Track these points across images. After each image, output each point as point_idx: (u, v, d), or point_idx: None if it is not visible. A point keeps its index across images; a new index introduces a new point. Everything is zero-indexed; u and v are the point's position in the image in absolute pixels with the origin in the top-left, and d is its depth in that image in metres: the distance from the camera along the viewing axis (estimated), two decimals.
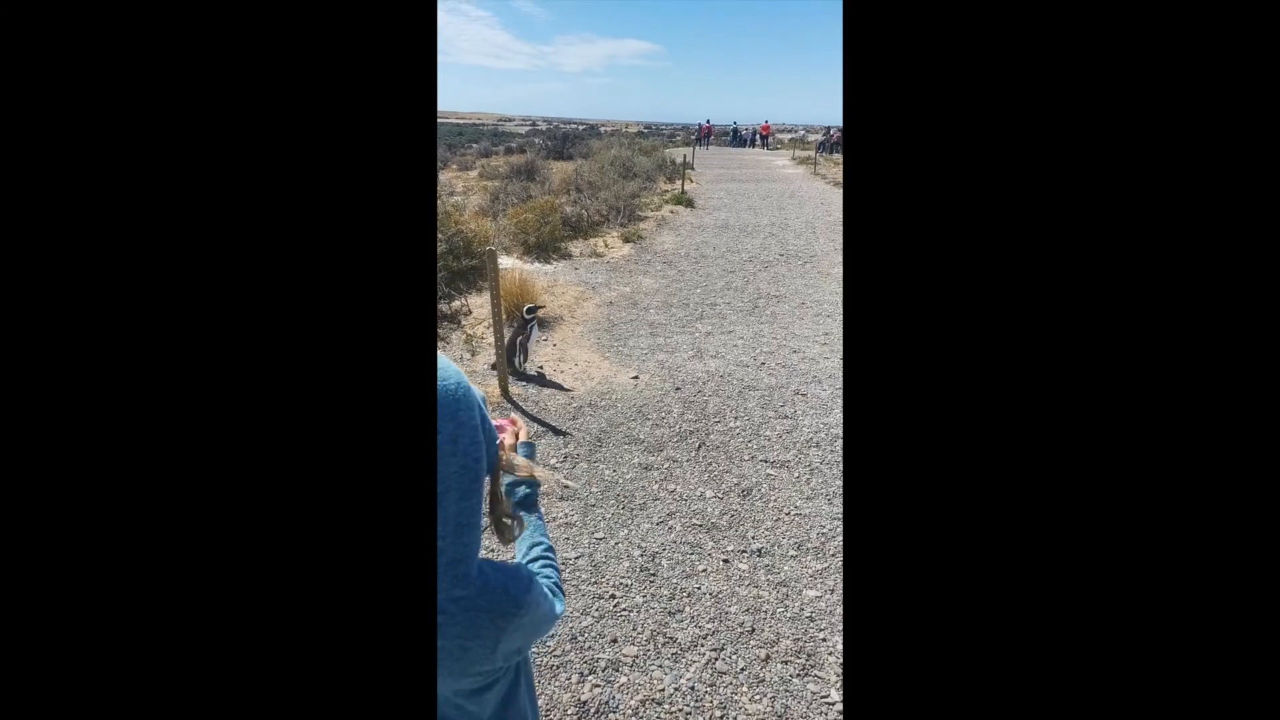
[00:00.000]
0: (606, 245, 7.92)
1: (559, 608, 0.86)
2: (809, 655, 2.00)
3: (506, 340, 3.98)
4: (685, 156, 17.25)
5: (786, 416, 3.58)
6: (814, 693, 1.87)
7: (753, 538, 2.57)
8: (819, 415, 3.61)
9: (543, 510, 1.31)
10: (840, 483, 2.94)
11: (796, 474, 3.02)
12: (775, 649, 2.02)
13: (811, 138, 40.36)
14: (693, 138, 34.47)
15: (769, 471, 3.03)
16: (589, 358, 4.43)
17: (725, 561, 2.43)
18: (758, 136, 34.84)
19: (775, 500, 2.81)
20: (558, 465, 3.07)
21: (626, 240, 8.21)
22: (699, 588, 2.29)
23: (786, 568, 2.39)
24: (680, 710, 1.80)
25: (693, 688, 1.88)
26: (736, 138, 36.05)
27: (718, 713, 1.80)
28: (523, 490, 0.92)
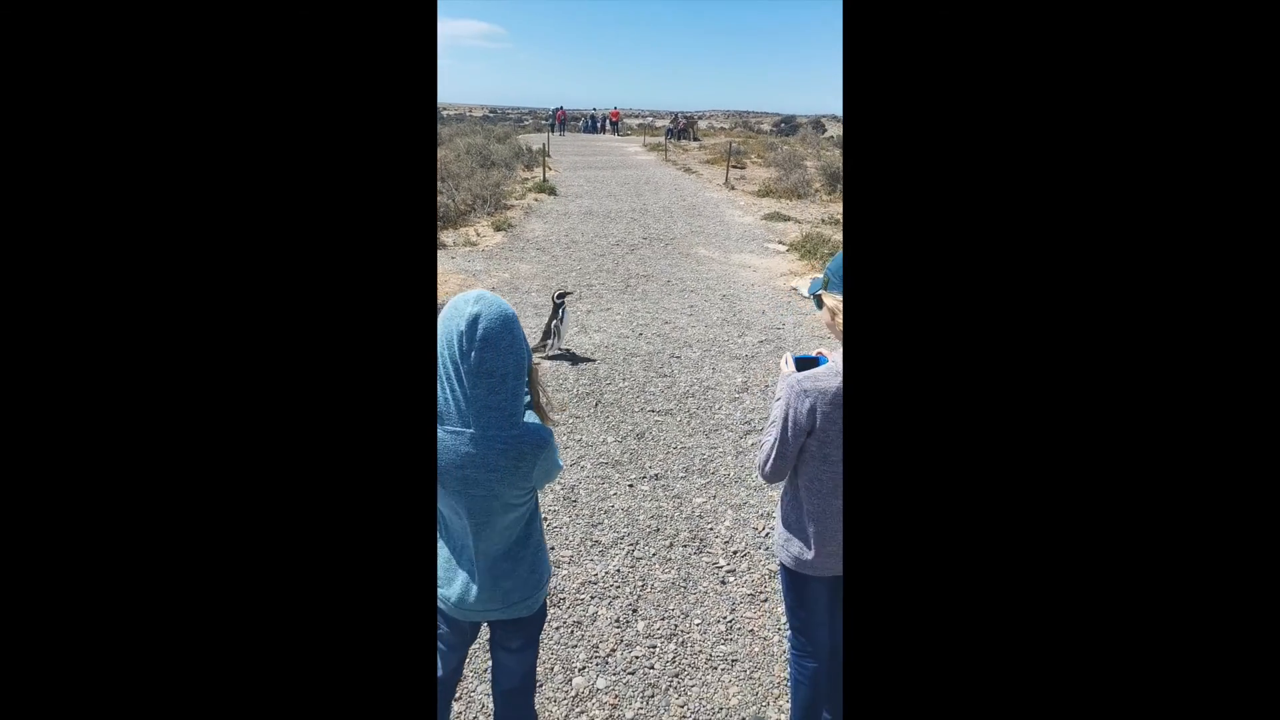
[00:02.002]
0: (478, 234, 8.21)
1: (561, 464, 1.40)
2: (701, 540, 2.66)
3: (544, 325, 4.42)
4: (543, 144, 17.54)
5: (665, 375, 4.25)
6: (708, 563, 2.53)
7: (649, 467, 3.20)
8: (692, 373, 4.31)
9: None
10: (712, 421, 3.65)
11: (678, 419, 3.69)
12: (676, 539, 2.66)
13: (659, 124, 41.64)
14: (545, 123, 34.57)
15: (656, 418, 3.68)
16: None
17: (630, 486, 3.04)
18: (608, 122, 35.53)
19: (664, 439, 3.45)
20: None
21: (498, 229, 8.54)
22: (613, 506, 2.88)
23: (678, 486, 3.04)
24: (611, 585, 2.39)
25: (618, 570, 2.47)
26: (591, 124, 36.49)
27: (639, 584, 2.41)
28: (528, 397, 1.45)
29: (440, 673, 1.47)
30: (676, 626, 2.21)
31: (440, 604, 1.38)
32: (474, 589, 1.33)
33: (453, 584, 1.35)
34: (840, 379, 1.41)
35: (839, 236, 7.78)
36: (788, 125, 37.12)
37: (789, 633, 1.66)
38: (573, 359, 4.50)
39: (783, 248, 8.00)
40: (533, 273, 6.65)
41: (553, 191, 11.76)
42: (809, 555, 1.51)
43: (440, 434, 1.24)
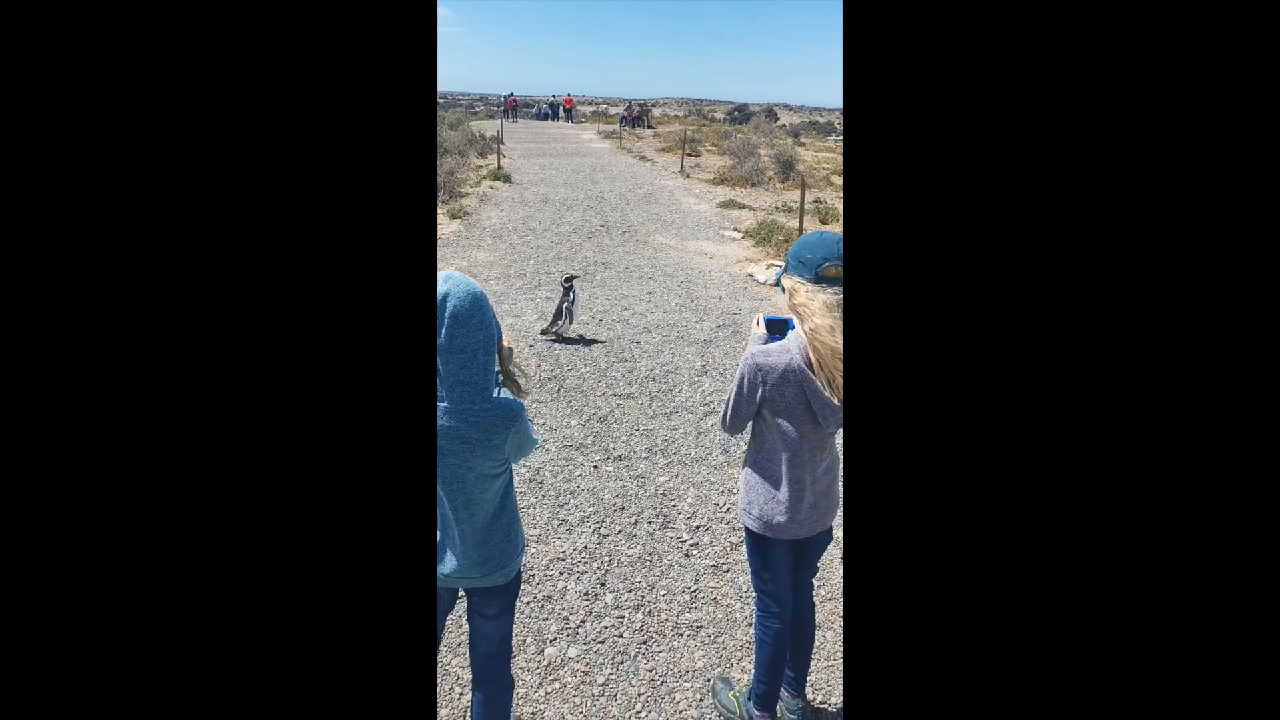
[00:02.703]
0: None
1: (536, 438, 1.46)
2: (665, 517, 2.75)
3: (554, 308, 4.56)
4: (496, 131, 17.31)
5: (626, 360, 4.32)
6: (672, 537, 2.63)
7: (613, 449, 3.27)
8: (652, 357, 4.40)
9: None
10: (673, 404, 3.74)
11: (640, 402, 3.77)
12: (641, 516, 2.75)
13: (613, 111, 41.45)
14: (496, 109, 34.03)
15: (618, 402, 3.75)
16: None
17: (595, 467, 3.11)
18: (561, 109, 35.21)
19: (626, 422, 3.53)
20: None
21: (453, 217, 8.45)
22: (578, 486, 2.95)
23: (641, 466, 3.13)
24: (579, 561, 2.47)
25: (586, 547, 2.54)
26: (546, 112, 36.05)
27: (607, 559, 2.49)
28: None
29: None
30: (643, 598, 2.30)
31: None
32: (452, 558, 1.39)
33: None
34: (789, 356, 1.50)
35: (793, 224, 7.95)
36: (740, 114, 37.41)
37: (754, 595, 1.76)
38: (583, 341, 4.62)
39: (738, 235, 8.14)
40: (490, 261, 6.62)
41: (508, 179, 11.66)
42: (773, 518, 1.61)
43: None
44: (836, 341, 1.43)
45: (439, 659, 1.97)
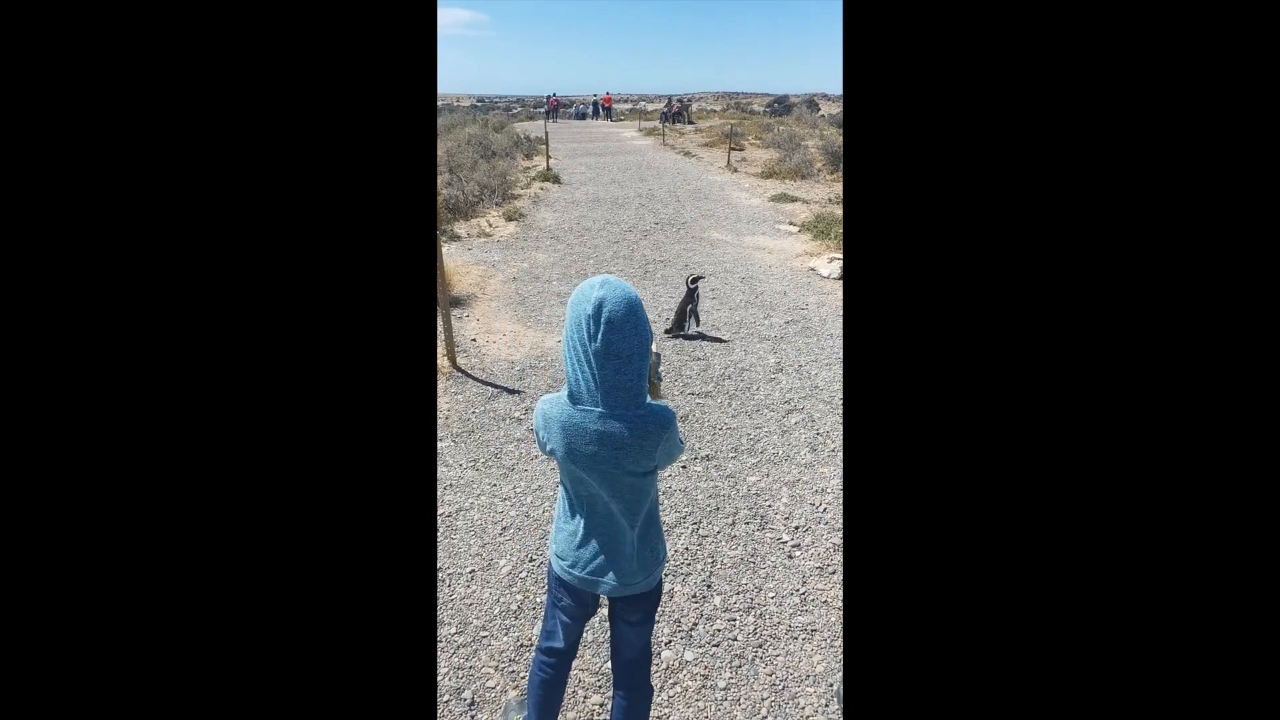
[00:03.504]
0: (491, 225, 8.21)
1: (682, 446, 1.45)
2: (761, 517, 2.73)
3: (676, 308, 4.70)
4: (541, 132, 17.45)
5: (699, 358, 4.30)
6: (772, 538, 2.60)
7: (699, 448, 3.25)
8: (724, 355, 4.36)
9: None
10: (752, 402, 3.70)
11: (718, 400, 3.74)
12: (737, 517, 2.73)
13: (651, 108, 41.40)
14: (539, 110, 34.31)
15: (697, 400, 3.73)
16: (513, 328, 4.88)
17: (683, 468, 3.09)
18: (600, 108, 35.30)
19: (708, 421, 3.51)
20: (520, 418, 3.57)
21: (509, 219, 8.54)
22: (670, 487, 2.94)
23: (730, 465, 3.10)
24: (683, 563, 2.46)
25: (686, 548, 2.53)
26: (580, 112, 36.18)
27: (710, 560, 2.47)
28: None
29: (562, 644, 1.53)
30: (752, 600, 2.28)
31: (566, 576, 1.44)
32: (600, 564, 1.39)
33: (579, 558, 1.41)
34: None
35: None
36: (781, 105, 36.93)
37: None
38: (705, 339, 4.66)
39: (794, 229, 8.03)
40: (550, 261, 6.67)
41: (557, 180, 11.74)
42: None
43: (572, 412, 1.30)
44: None
45: (575, 661, 1.99)
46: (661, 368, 2.37)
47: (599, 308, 1.25)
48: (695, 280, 4.68)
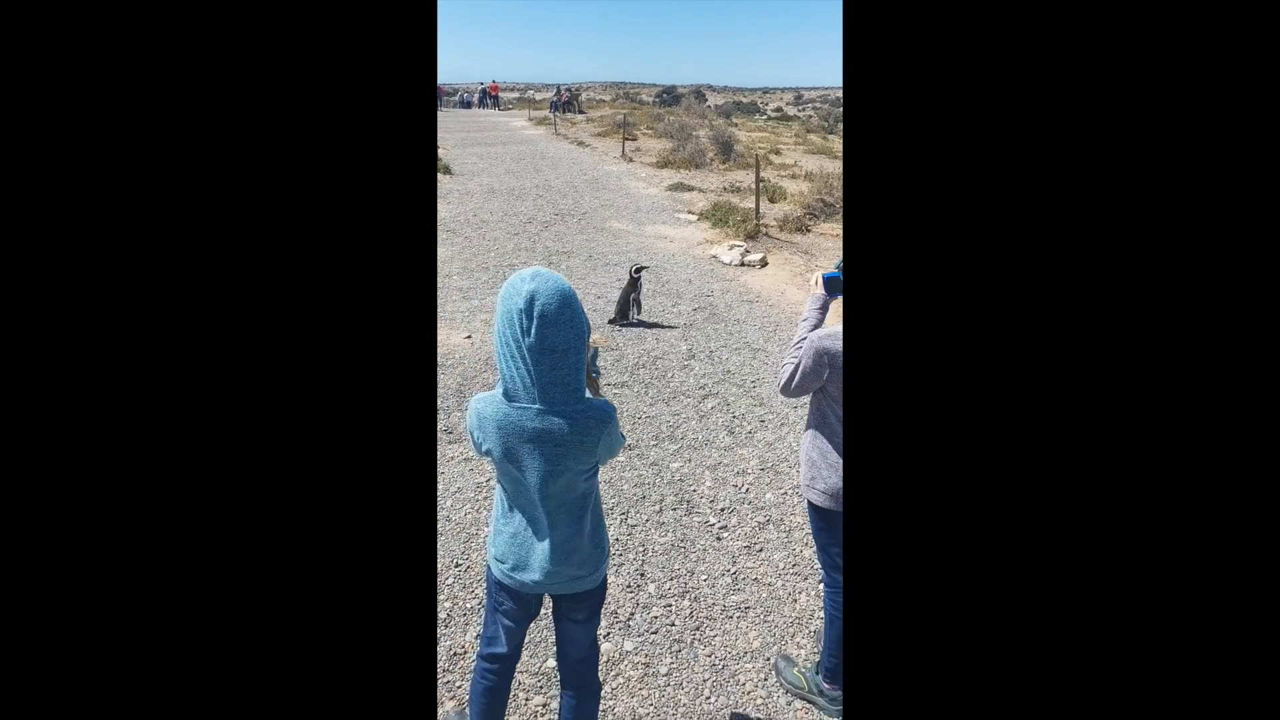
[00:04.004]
0: None
1: (623, 440, 1.42)
2: (688, 502, 2.76)
3: (620, 297, 4.69)
4: None
5: (611, 348, 4.29)
6: (699, 522, 2.64)
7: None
8: (636, 344, 4.38)
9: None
10: (669, 390, 3.74)
11: (635, 389, 3.75)
12: (663, 504, 2.75)
13: (539, 97, 40.76)
14: None
15: (613, 391, 3.72)
16: None
17: None
18: (487, 97, 34.31)
19: (626, 410, 3.51)
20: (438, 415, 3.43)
21: None
22: None
23: (653, 453, 3.12)
24: (614, 554, 2.44)
25: (617, 539, 2.52)
26: (465, 101, 35.00)
27: (641, 549, 2.47)
28: (594, 374, 1.46)
29: (505, 649, 1.48)
30: (686, 584, 2.30)
31: (506, 580, 1.39)
32: (544, 564, 1.35)
33: (521, 559, 1.36)
34: None
35: (746, 204, 8.04)
36: (669, 95, 37.44)
37: (822, 571, 1.79)
38: (650, 327, 4.67)
39: (693, 217, 8.17)
40: (449, 256, 6.43)
41: (448, 170, 11.31)
42: (840, 490, 1.63)
43: (508, 410, 1.25)
44: None
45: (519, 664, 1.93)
46: (600, 361, 2.36)
47: (531, 301, 1.20)
48: (639, 270, 4.72)
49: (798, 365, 1.59)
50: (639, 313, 4.76)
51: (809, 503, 1.72)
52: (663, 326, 4.72)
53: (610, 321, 4.74)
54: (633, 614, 2.17)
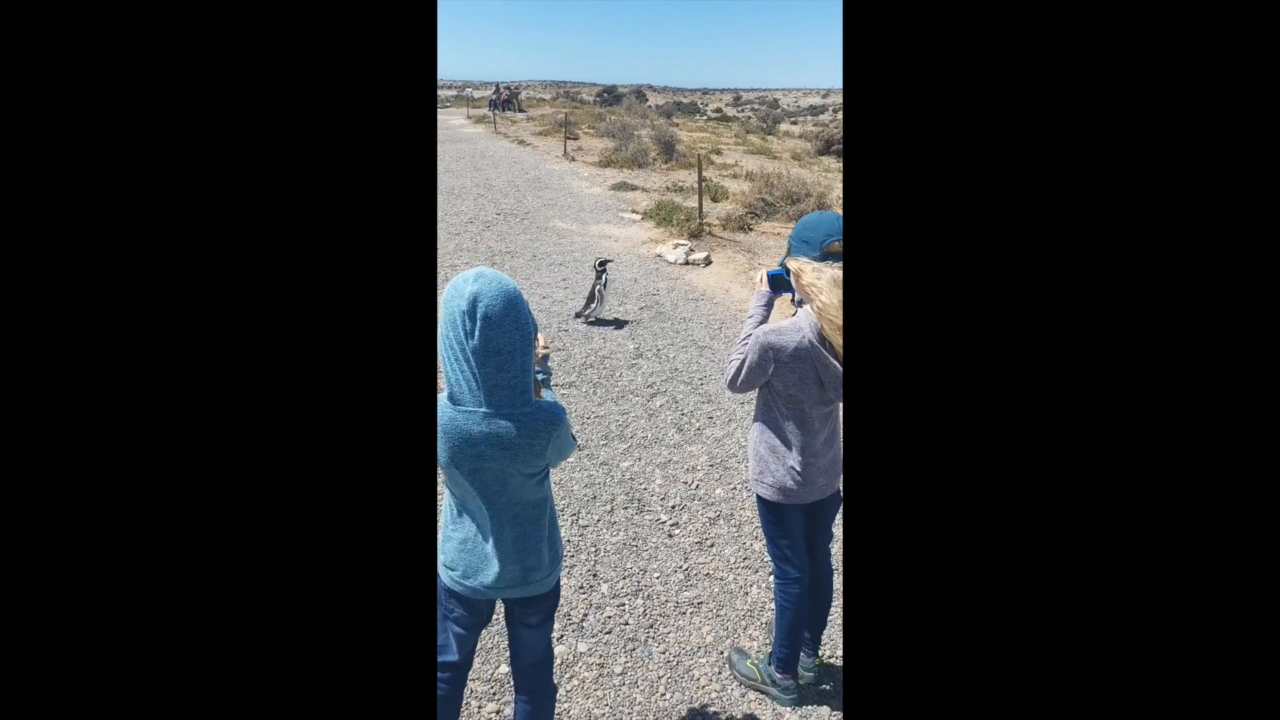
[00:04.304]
0: None
1: (574, 443, 1.41)
2: (639, 501, 2.76)
3: (587, 292, 4.68)
4: None
5: (558, 349, 4.25)
6: (650, 520, 2.64)
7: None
8: (583, 344, 4.36)
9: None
10: (616, 389, 3.74)
11: (583, 389, 3.73)
12: (614, 503, 2.74)
13: (478, 94, 40.08)
14: None
15: (561, 391, 3.69)
16: None
17: None
18: None
19: (575, 410, 3.49)
20: None
21: None
22: None
23: (602, 453, 3.11)
24: (565, 555, 2.42)
25: (568, 539, 2.50)
26: None
27: (593, 549, 2.46)
28: (542, 375, 1.44)
29: (456, 657, 1.45)
30: (639, 583, 2.31)
31: (457, 586, 1.36)
32: (496, 569, 1.32)
33: (472, 565, 1.34)
34: (801, 335, 1.54)
35: (689, 203, 8.11)
36: (610, 95, 37.40)
37: (772, 563, 1.82)
38: (617, 324, 4.69)
39: (637, 217, 8.18)
40: None
41: None
42: (787, 484, 1.66)
43: (454, 414, 1.22)
44: (844, 321, 1.48)
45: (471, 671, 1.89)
46: (551, 362, 2.34)
47: (474, 303, 1.18)
48: (604, 264, 4.70)
49: (744, 361, 1.61)
50: (603, 307, 4.76)
51: (758, 496, 1.75)
52: (622, 323, 4.76)
53: (576, 315, 4.74)
54: (586, 615, 2.16)
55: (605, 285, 4.70)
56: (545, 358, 1.45)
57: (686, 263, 6.31)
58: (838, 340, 1.51)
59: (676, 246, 6.59)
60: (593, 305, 4.71)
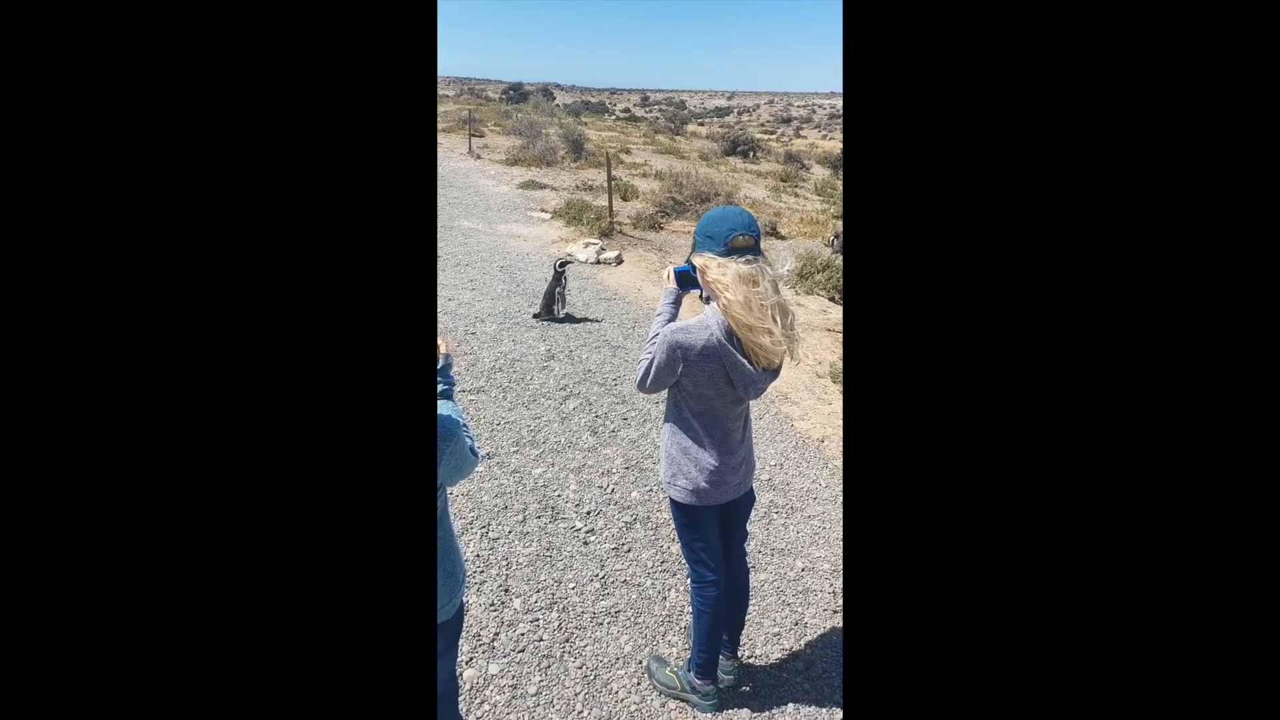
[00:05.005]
0: None
1: (475, 459, 1.30)
2: (553, 508, 2.66)
3: (545, 292, 4.65)
4: None
5: (466, 353, 4.08)
6: (565, 528, 2.55)
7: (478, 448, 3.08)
8: (492, 347, 4.20)
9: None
10: (528, 393, 3.61)
11: (492, 394, 3.58)
12: (527, 512, 2.63)
13: None
14: None
15: (469, 397, 3.53)
16: None
17: None
18: None
19: (484, 417, 3.34)
20: None
21: None
22: (451, 492, 2.73)
23: (513, 461, 2.98)
24: (475, 572, 2.30)
25: (478, 555, 2.37)
26: None
27: (505, 563, 2.34)
28: (442, 385, 1.32)
29: None
30: (553, 595, 2.21)
31: None
32: None
33: None
34: (709, 333, 1.50)
35: (599, 202, 8.03)
36: (516, 93, 36.78)
37: (687, 567, 1.77)
38: (573, 321, 4.66)
39: (546, 215, 8.04)
40: None
41: None
42: (700, 485, 1.62)
43: None
44: (751, 317, 1.45)
45: None
46: (455, 369, 2.19)
47: None
48: (563, 264, 4.68)
49: (652, 360, 1.55)
50: (564, 306, 4.71)
51: (671, 499, 1.69)
52: (589, 320, 4.76)
53: (535, 316, 4.69)
54: (497, 634, 2.04)
55: (565, 286, 4.69)
56: (446, 366, 1.34)
57: (598, 262, 6.24)
58: (745, 336, 1.47)
59: (587, 246, 6.51)
60: (555, 307, 4.66)
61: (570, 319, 4.75)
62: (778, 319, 1.47)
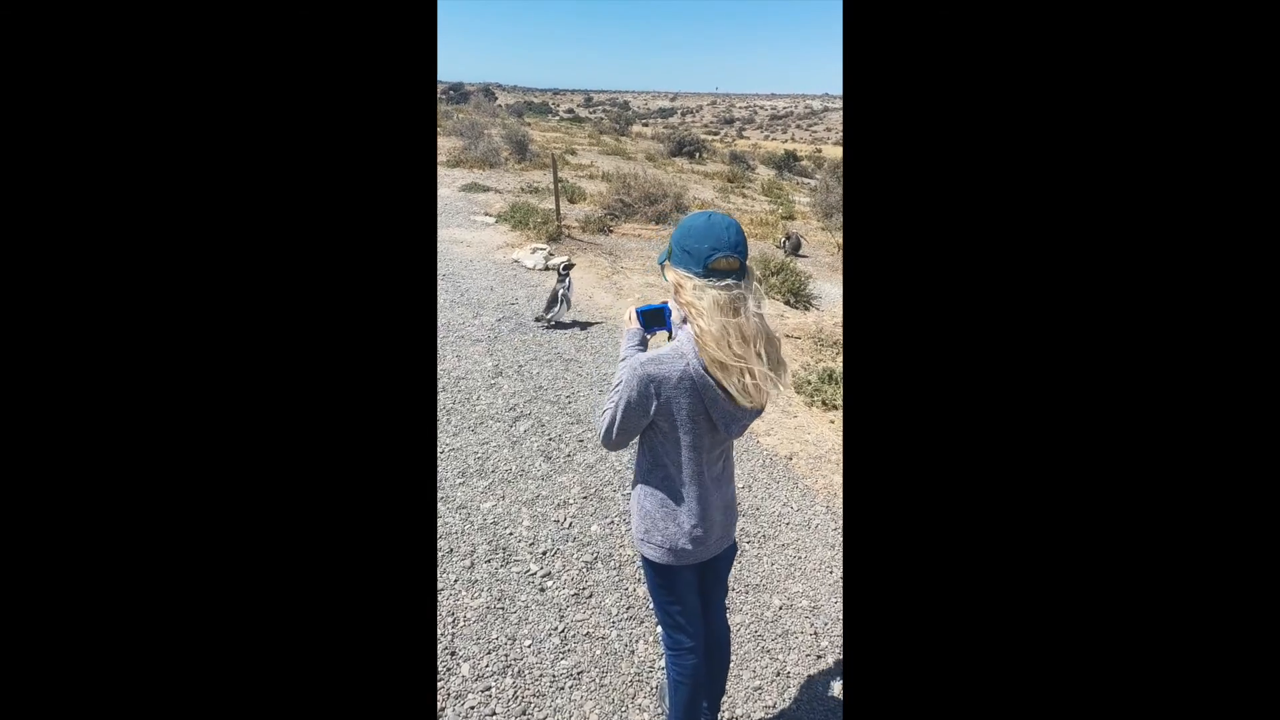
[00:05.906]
0: None
1: None
2: (504, 550, 2.40)
3: (548, 294, 4.55)
4: None
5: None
6: (519, 573, 2.29)
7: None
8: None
9: None
10: (475, 414, 3.33)
11: (438, 418, 3.28)
12: (475, 556, 2.36)
13: None
14: None
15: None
16: None
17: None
18: None
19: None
20: None
21: None
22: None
23: (459, 494, 2.70)
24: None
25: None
26: None
27: (449, 619, 2.07)
28: None
29: None
30: (507, 656, 1.95)
31: None
32: None
33: None
34: (685, 361, 1.28)
35: (546, 204, 7.75)
36: (457, 93, 35.95)
37: (660, 631, 1.54)
38: (581, 325, 4.60)
39: (490, 219, 7.70)
40: None
41: None
42: (679, 544, 1.40)
43: None
44: (727, 354, 1.23)
45: None
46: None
47: None
48: (567, 267, 4.59)
49: (619, 402, 1.31)
50: (567, 310, 4.58)
51: (644, 557, 1.47)
52: (593, 324, 4.60)
53: (536, 319, 4.53)
54: (444, 709, 1.78)
55: (569, 288, 4.53)
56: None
57: (546, 268, 5.96)
58: (717, 373, 1.26)
59: (535, 251, 6.22)
60: (555, 308, 4.51)
61: (559, 325, 4.57)
62: (762, 354, 1.26)
